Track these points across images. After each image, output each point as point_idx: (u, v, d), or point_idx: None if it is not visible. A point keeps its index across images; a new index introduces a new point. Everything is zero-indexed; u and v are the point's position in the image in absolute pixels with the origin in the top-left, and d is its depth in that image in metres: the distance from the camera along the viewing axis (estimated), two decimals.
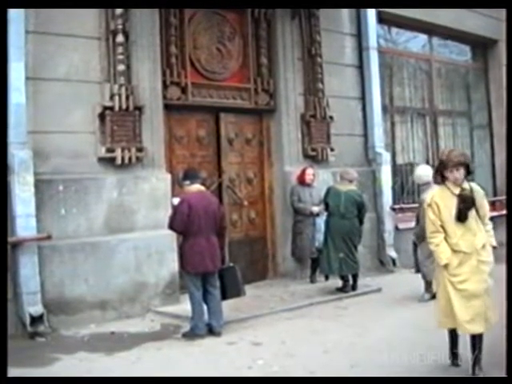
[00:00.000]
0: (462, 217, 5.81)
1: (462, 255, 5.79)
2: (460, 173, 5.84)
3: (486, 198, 6.18)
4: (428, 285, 9.01)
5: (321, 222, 10.16)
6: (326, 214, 9.99)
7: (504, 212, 11.98)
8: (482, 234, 5.90)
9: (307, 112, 11.06)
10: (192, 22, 9.95)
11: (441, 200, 5.94)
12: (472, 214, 5.86)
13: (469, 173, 5.98)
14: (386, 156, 12.22)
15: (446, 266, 5.85)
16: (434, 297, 8.56)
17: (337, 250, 9.64)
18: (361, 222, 9.88)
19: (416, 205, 11.72)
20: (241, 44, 10.62)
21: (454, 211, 5.83)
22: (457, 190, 5.86)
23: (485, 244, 5.88)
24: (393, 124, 13.45)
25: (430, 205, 6.01)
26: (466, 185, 5.92)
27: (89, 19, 8.64)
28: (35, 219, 7.89)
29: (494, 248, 5.99)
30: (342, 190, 9.77)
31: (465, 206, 5.82)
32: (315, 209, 10.26)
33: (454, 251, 5.82)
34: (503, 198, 13.20)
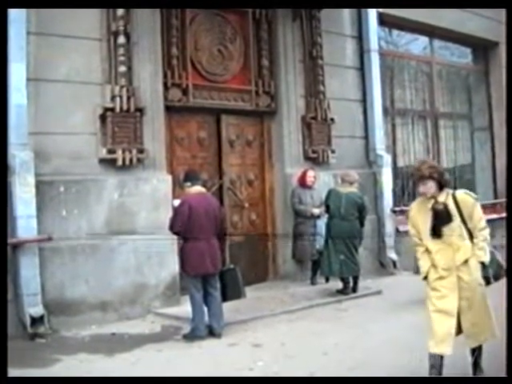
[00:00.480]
0: (435, 232, 5.59)
1: (441, 271, 5.58)
2: (427, 187, 5.57)
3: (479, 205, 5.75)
4: None
5: (321, 224, 10.16)
6: (326, 216, 10.00)
7: (504, 215, 11.97)
8: (466, 249, 5.56)
9: (308, 114, 11.07)
10: (193, 23, 9.97)
11: (417, 213, 5.78)
12: (453, 227, 5.55)
13: (442, 186, 5.62)
14: (387, 158, 12.23)
15: (426, 279, 5.71)
16: None
17: (337, 252, 9.64)
18: (362, 224, 9.88)
19: None
20: (242, 45, 10.64)
21: (428, 226, 5.64)
22: (430, 204, 5.64)
23: (468, 259, 5.55)
24: (394, 126, 13.46)
25: (409, 217, 5.92)
26: (442, 197, 5.61)
27: (90, 20, 8.66)
28: (36, 220, 7.90)
29: (483, 264, 5.54)
30: (342, 192, 9.77)
31: (438, 222, 5.57)
32: (316, 211, 10.26)
33: (433, 265, 5.64)
34: (504, 200, 13.19)
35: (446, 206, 5.57)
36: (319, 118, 11.12)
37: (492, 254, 5.73)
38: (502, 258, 6.13)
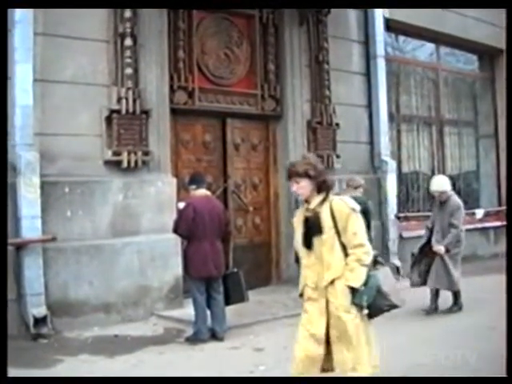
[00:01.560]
0: (305, 244, 4.85)
1: (310, 290, 4.86)
2: (300, 185, 4.82)
3: (364, 215, 5.10)
4: (455, 296, 9.00)
5: None
6: None
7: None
8: (336, 268, 4.73)
9: (313, 119, 11.05)
10: (200, 26, 9.96)
11: (297, 220, 5.04)
12: (324, 239, 4.76)
13: (320, 187, 4.81)
14: (392, 164, 12.19)
15: (301, 297, 5.02)
16: (460, 308, 8.72)
17: None
18: (367, 228, 9.84)
19: (423, 213, 11.87)
20: (248, 49, 10.62)
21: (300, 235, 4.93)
22: (306, 210, 4.92)
23: (334, 280, 4.74)
24: (399, 132, 13.43)
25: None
26: (315, 203, 4.81)
27: (97, 22, 8.67)
28: (40, 221, 7.90)
29: (353, 290, 4.71)
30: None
31: (308, 232, 4.83)
32: None
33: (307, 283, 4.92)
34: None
35: (316, 214, 4.79)
36: (324, 123, 11.10)
37: (372, 278, 4.80)
38: (394, 286, 5.12)
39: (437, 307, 8.96)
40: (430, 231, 9.07)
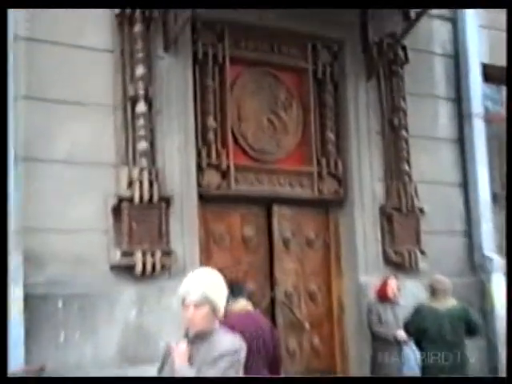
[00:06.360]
0: None
1: None
2: None
3: None
4: None
5: (409, 352, 9.83)
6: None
7: None
8: None
9: (388, 203, 10.98)
10: (236, 84, 10.08)
11: None
12: None
13: None
14: (498, 261, 11.89)
15: None
16: None
17: None
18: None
19: None
20: (300, 114, 10.71)
21: None
22: None
23: None
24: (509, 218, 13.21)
25: None
26: None
27: (100, 82, 8.80)
28: (24, 348, 7.77)
29: None
30: (440, 308, 9.41)
31: None
32: (401, 333, 9.95)
33: None
34: None
35: None
36: (404, 208, 11.00)
37: None
38: None
39: None
40: None
